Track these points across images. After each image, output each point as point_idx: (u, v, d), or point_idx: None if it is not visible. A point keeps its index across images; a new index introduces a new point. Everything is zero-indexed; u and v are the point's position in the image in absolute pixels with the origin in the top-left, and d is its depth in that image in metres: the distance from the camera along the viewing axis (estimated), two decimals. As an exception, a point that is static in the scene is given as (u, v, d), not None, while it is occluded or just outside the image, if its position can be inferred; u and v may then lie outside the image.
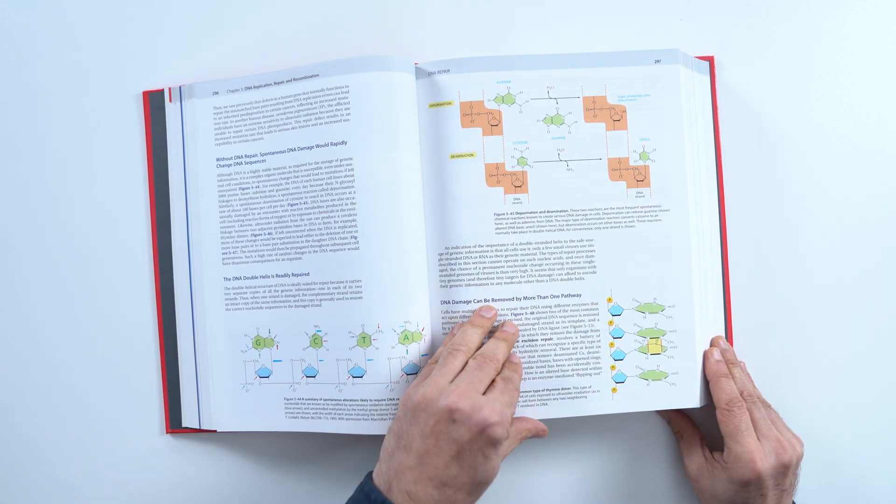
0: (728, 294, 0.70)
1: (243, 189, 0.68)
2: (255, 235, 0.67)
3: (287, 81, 0.67)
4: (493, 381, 0.60)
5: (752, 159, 0.70)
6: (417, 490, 0.55)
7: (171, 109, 0.70)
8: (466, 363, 0.60)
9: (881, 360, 0.70)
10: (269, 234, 0.67)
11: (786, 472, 0.61)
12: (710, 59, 0.70)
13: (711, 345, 0.67)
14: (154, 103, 0.70)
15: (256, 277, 0.68)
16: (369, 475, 0.58)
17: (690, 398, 0.66)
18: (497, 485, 0.68)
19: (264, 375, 0.68)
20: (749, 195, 0.70)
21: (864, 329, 0.70)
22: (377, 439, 0.63)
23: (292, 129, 0.67)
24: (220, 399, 0.68)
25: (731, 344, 0.69)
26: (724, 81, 0.70)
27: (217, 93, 0.68)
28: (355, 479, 0.69)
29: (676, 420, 0.69)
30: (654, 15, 0.70)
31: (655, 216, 0.66)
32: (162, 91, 0.70)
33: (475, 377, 0.58)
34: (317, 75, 0.66)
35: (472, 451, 0.55)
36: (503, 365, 0.62)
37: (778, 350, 0.70)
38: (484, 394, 0.58)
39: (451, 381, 0.58)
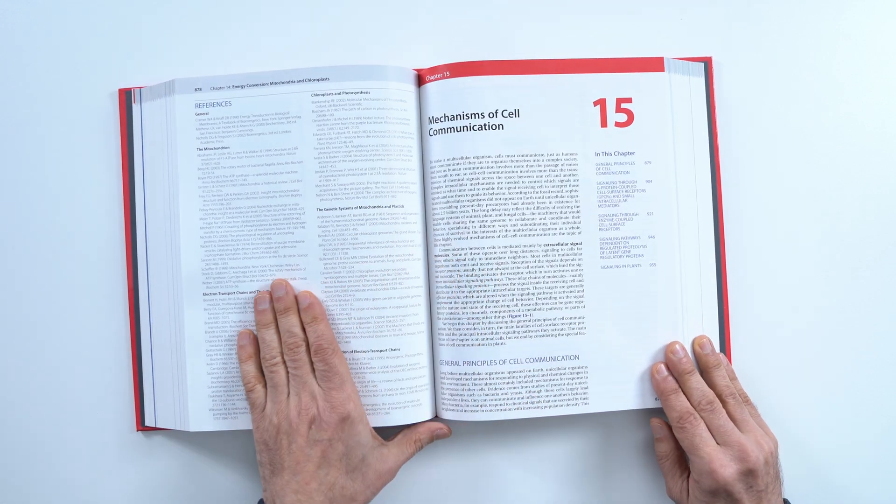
0: (725, 296, 0.69)
1: (221, 185, 0.67)
2: (237, 231, 0.67)
3: (270, 84, 0.67)
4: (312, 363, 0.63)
5: (751, 159, 0.70)
6: (301, 498, 0.59)
7: (149, 107, 0.68)
8: (286, 366, 0.63)
9: (879, 363, 0.70)
10: (250, 229, 0.66)
11: (754, 474, 0.61)
12: (708, 60, 0.70)
13: (666, 352, 0.66)
14: (128, 100, 0.69)
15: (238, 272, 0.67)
16: (260, 501, 0.62)
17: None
18: (492, 484, 0.70)
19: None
20: (747, 192, 0.70)
21: (862, 332, 0.70)
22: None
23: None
24: (192, 398, 0.67)
25: (729, 347, 0.69)
26: (724, 81, 0.70)
27: (200, 89, 0.67)
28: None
29: (664, 441, 0.68)
30: (653, 15, 0.70)
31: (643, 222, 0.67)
32: (131, 90, 0.69)
33: (301, 381, 0.62)
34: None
35: (335, 445, 0.60)
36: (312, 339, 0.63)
37: (776, 353, 0.70)
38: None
39: (287, 396, 0.62)
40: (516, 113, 0.66)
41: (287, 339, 0.63)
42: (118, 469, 0.69)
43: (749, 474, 0.61)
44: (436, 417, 0.68)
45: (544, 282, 0.66)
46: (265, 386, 0.64)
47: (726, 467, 0.60)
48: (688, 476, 0.66)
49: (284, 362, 0.63)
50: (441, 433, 0.67)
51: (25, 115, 0.70)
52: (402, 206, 0.66)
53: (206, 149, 0.67)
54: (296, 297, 0.65)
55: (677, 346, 0.66)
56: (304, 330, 0.64)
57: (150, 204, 0.68)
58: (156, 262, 0.68)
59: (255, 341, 0.65)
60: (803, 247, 0.70)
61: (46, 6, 0.70)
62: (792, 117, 0.71)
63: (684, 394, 0.65)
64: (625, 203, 0.67)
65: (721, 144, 0.70)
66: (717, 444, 0.62)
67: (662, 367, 0.66)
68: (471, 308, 0.65)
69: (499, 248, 0.65)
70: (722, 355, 0.68)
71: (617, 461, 0.70)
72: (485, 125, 0.66)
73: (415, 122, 0.67)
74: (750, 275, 0.70)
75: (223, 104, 0.67)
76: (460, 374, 0.66)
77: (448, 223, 0.66)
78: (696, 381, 0.65)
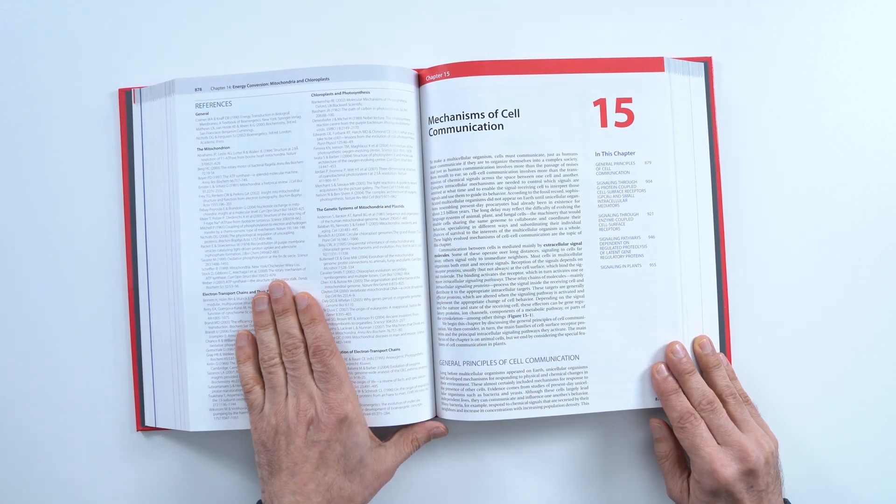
0: (725, 296, 0.69)
1: (221, 185, 0.67)
2: (237, 231, 0.67)
3: (270, 84, 0.67)
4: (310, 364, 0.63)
5: (751, 159, 0.70)
6: (299, 499, 0.59)
7: (149, 107, 0.68)
8: (284, 368, 0.63)
9: (879, 363, 0.71)
10: (250, 229, 0.66)
11: (755, 474, 0.61)
12: (708, 60, 0.70)
13: (667, 352, 0.66)
14: (128, 100, 0.69)
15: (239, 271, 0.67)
16: (259, 502, 0.62)
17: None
18: (493, 483, 0.70)
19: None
20: (747, 192, 0.70)
21: (862, 332, 0.70)
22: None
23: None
24: (192, 398, 0.67)
25: (729, 347, 0.69)
26: (724, 81, 0.70)
27: (200, 89, 0.67)
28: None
29: (663, 441, 0.68)
30: (652, 15, 0.70)
31: (643, 222, 0.67)
32: (131, 90, 0.69)
33: (299, 382, 0.62)
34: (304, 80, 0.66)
35: (333, 446, 0.60)
36: (310, 341, 0.63)
37: (776, 353, 0.70)
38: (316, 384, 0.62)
39: (285, 397, 0.62)
40: (516, 113, 0.66)
41: (285, 341, 0.63)
42: (118, 469, 0.69)
43: (750, 474, 0.61)
44: (436, 417, 0.68)
45: (544, 282, 0.66)
46: (263, 387, 0.64)
47: (727, 467, 0.60)
48: (688, 476, 0.66)
49: (283, 363, 0.63)
50: (438, 432, 0.67)
51: (25, 115, 0.70)
52: (402, 206, 0.66)
53: (206, 149, 0.67)
54: (294, 299, 0.65)
55: (677, 346, 0.66)
56: (302, 331, 0.64)
57: (150, 204, 0.68)
58: (156, 262, 0.68)
59: (254, 342, 0.65)
60: (803, 247, 0.70)
61: (46, 6, 0.70)
62: (792, 117, 0.71)
63: (685, 394, 0.65)
64: (625, 203, 0.67)
65: (721, 144, 0.70)
66: (718, 444, 0.62)
67: (663, 367, 0.66)
68: (471, 308, 0.65)
69: (499, 248, 0.65)
70: (722, 355, 0.68)
71: (617, 461, 0.70)
72: (485, 125, 0.66)
73: (415, 122, 0.67)
74: (750, 275, 0.70)
75: (223, 104, 0.67)
76: (460, 374, 0.66)
77: (448, 223, 0.66)
78: (697, 381, 0.65)
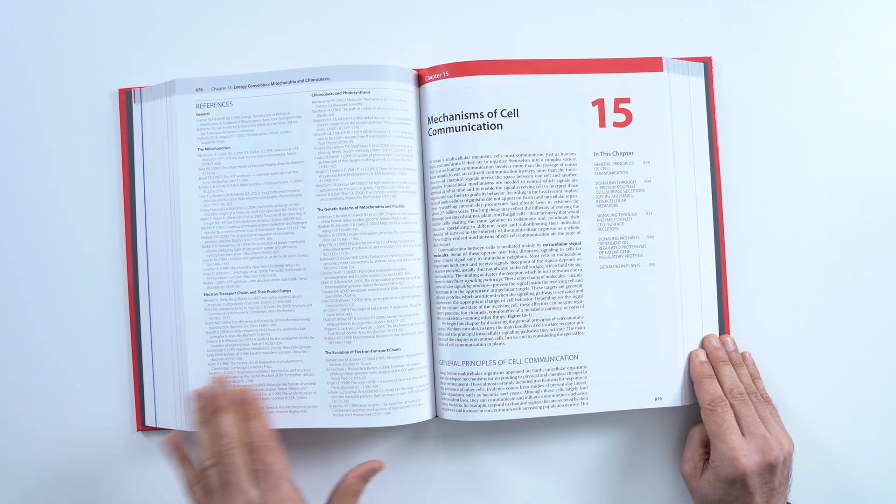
0: (725, 296, 0.69)
1: (222, 185, 0.67)
2: (237, 231, 0.67)
3: (271, 84, 0.67)
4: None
5: (751, 159, 0.70)
6: None
7: (149, 107, 0.69)
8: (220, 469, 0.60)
9: (879, 363, 0.71)
10: (250, 229, 0.67)
11: (772, 470, 0.61)
12: (708, 60, 0.70)
13: (702, 343, 0.67)
14: (128, 100, 0.70)
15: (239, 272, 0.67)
16: None
17: (672, 397, 0.67)
18: (493, 484, 0.69)
19: None
20: (747, 192, 0.70)
21: (862, 332, 0.71)
22: (346, 434, 0.68)
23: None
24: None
25: None
26: (724, 81, 0.70)
27: (200, 89, 0.68)
28: (320, 476, 0.68)
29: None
30: (652, 15, 0.70)
31: (642, 222, 0.67)
32: (131, 90, 0.69)
33: (237, 487, 0.58)
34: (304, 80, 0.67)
35: None
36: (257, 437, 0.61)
37: (776, 353, 0.70)
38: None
39: (223, 500, 0.59)
40: (515, 113, 0.66)
41: (221, 440, 0.60)
42: (118, 469, 0.69)
43: (768, 469, 0.61)
44: (436, 417, 0.68)
45: (543, 282, 0.66)
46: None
47: (749, 457, 0.61)
48: (704, 457, 0.66)
49: (218, 466, 0.60)
50: (372, 470, 0.65)
51: (25, 115, 0.70)
52: (403, 206, 0.66)
53: (206, 149, 0.67)
54: (232, 395, 0.62)
55: (713, 338, 0.67)
56: (242, 428, 0.61)
57: (150, 204, 0.68)
58: (156, 263, 0.68)
59: (184, 444, 0.63)
60: (803, 247, 0.70)
61: (46, 6, 0.70)
62: (792, 117, 0.71)
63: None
64: (623, 203, 0.67)
65: (721, 144, 0.70)
66: (743, 434, 0.62)
67: (701, 352, 0.67)
68: (470, 308, 0.65)
69: (498, 247, 0.65)
70: (748, 353, 0.69)
71: (617, 461, 0.70)
72: (484, 125, 0.66)
73: (415, 121, 0.67)
74: (750, 275, 0.70)
75: (224, 104, 0.67)
76: (459, 374, 0.66)
77: (447, 223, 0.66)
78: (730, 372, 0.66)
